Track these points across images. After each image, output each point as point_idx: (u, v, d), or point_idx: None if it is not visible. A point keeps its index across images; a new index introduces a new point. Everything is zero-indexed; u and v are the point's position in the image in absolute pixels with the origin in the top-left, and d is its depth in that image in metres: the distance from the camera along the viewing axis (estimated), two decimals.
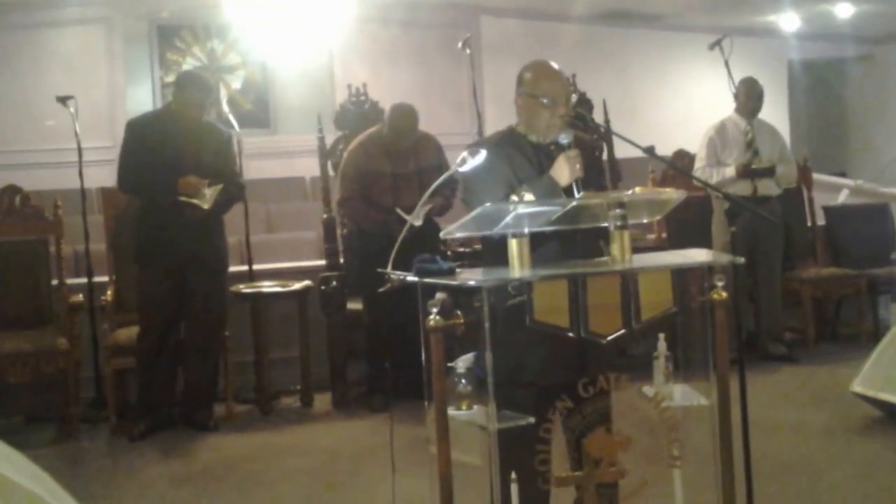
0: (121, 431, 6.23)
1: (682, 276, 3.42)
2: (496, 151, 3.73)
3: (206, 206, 6.06)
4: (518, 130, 3.85)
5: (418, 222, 5.71)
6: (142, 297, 6.29)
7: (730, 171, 7.31)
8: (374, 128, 6.72)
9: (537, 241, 3.48)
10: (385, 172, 6.54)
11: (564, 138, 3.65)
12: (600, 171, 3.81)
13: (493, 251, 3.55)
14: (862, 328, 7.89)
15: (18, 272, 6.58)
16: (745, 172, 7.31)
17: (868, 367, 5.77)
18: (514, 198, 3.60)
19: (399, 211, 6.33)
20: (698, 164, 7.45)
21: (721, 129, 7.51)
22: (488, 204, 3.34)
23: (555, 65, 3.83)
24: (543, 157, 3.74)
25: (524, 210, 3.29)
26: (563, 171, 3.63)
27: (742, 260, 3.68)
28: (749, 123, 7.48)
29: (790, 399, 6.41)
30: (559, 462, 3.40)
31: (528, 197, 3.57)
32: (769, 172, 7.35)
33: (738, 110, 7.56)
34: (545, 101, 3.72)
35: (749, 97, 7.51)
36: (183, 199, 6.03)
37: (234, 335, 6.58)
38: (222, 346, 6.44)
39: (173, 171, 6.05)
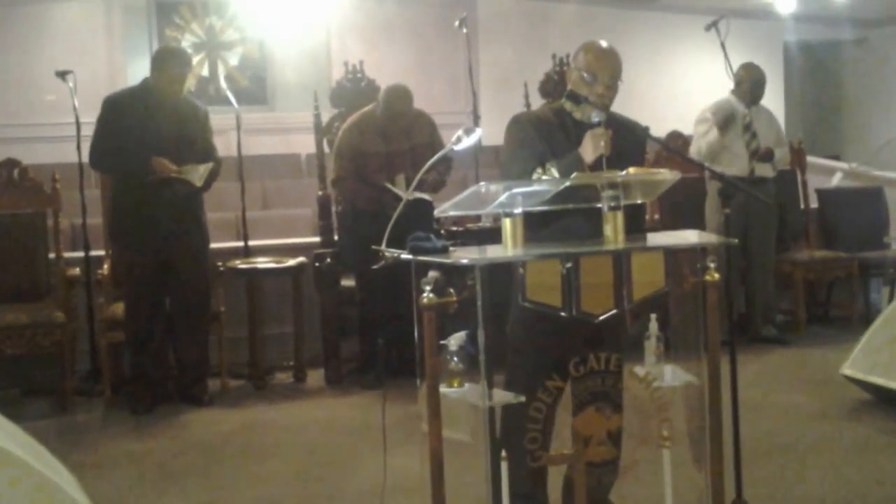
0: (115, 404, 6.28)
1: (674, 257, 3.45)
2: (534, 126, 3.83)
3: (199, 183, 6.07)
4: (565, 107, 3.90)
5: (409, 196, 5.70)
6: (127, 277, 6.30)
7: None
8: (368, 107, 6.72)
9: (557, 217, 3.57)
10: (379, 152, 6.54)
11: (596, 117, 3.70)
12: (642, 156, 3.85)
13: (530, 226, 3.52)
14: (853, 311, 7.91)
15: (16, 245, 6.59)
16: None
17: (858, 350, 5.80)
18: (539, 172, 3.68)
19: (389, 185, 6.37)
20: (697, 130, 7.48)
21: (719, 109, 7.48)
22: (482, 183, 3.36)
23: (606, 45, 3.86)
24: (583, 133, 3.77)
25: (518, 189, 3.31)
26: (588, 148, 3.68)
27: (735, 241, 3.71)
28: (747, 108, 7.47)
29: (780, 381, 6.44)
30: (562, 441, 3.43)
31: (554, 172, 3.66)
32: (768, 157, 7.36)
33: (738, 95, 7.52)
34: (586, 76, 3.77)
35: (754, 85, 7.48)
36: (175, 175, 6.04)
37: (229, 311, 6.61)
38: (210, 320, 6.46)
39: (152, 147, 6.04)
